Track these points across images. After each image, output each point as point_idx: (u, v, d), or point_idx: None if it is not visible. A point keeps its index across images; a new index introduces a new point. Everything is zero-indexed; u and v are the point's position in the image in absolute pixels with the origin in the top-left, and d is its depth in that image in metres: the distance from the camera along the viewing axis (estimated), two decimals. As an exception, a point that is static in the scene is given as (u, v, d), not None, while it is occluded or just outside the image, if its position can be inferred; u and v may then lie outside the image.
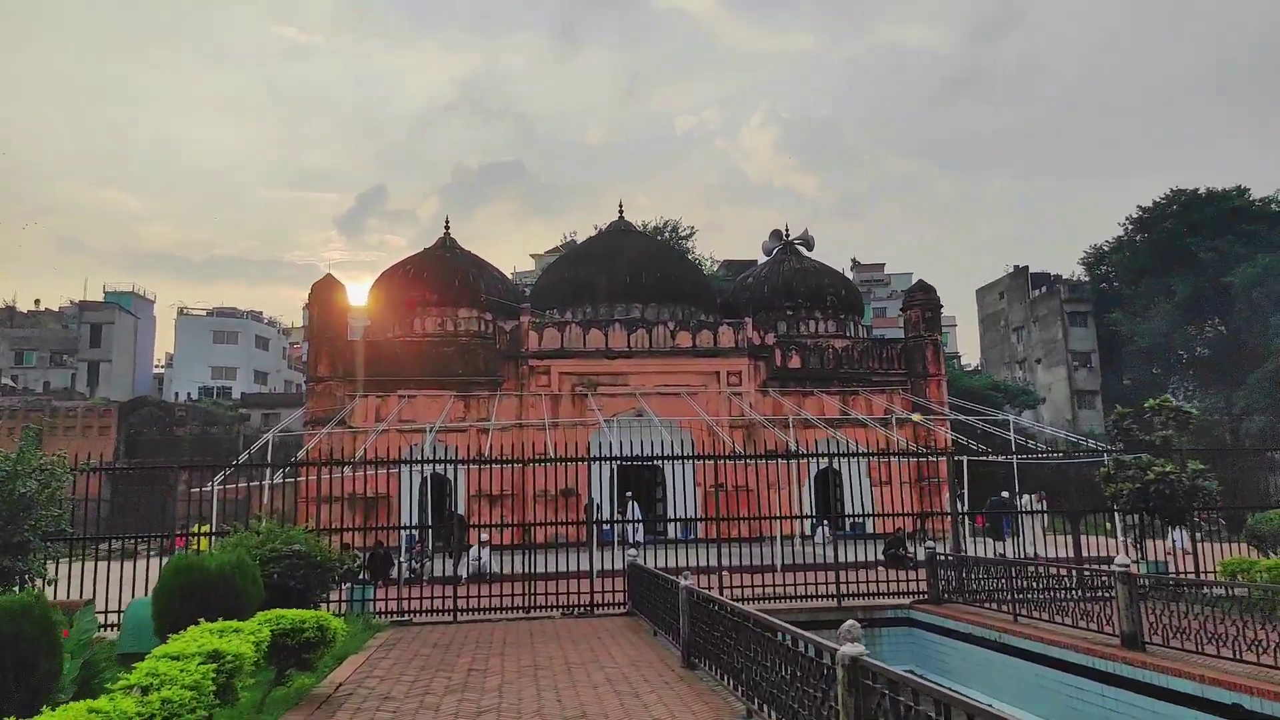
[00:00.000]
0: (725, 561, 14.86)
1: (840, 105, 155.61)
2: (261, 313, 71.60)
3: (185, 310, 69.00)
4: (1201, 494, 14.16)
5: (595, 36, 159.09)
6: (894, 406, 29.90)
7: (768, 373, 30.15)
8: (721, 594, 14.49)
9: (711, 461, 18.99)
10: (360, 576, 17.15)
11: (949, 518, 25.40)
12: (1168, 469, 14.12)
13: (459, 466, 23.39)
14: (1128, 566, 9.99)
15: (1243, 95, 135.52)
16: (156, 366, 70.57)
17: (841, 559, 15.04)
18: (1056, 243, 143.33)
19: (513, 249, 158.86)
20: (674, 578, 10.08)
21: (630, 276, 31.86)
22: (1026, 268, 76.55)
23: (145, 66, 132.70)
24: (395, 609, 13.35)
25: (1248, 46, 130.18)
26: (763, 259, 36.24)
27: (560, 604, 13.79)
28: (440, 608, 13.39)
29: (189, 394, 59.65)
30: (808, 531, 23.61)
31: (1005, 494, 24.61)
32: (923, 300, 31.26)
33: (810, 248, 35.40)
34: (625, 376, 29.25)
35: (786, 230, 35.72)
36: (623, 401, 28.56)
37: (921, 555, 15.36)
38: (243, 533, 11.36)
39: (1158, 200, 63.55)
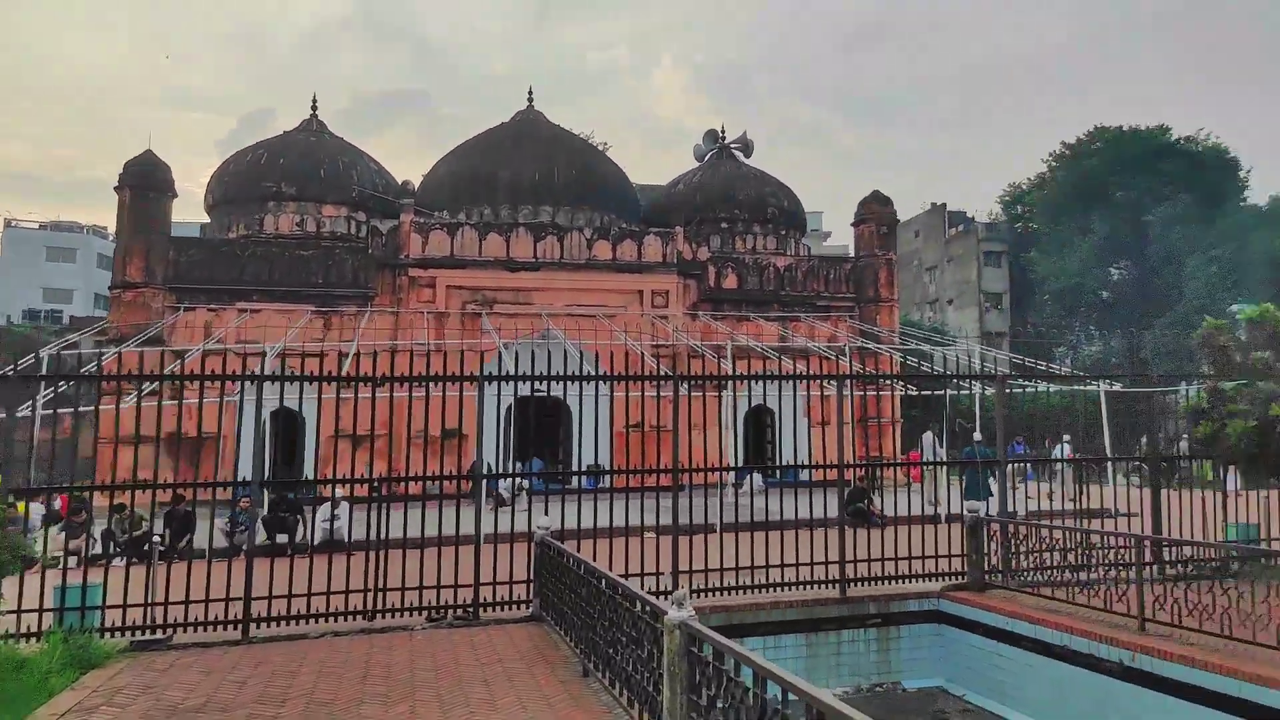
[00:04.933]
0: (645, 519, 10.25)
1: (751, 50, 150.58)
2: (106, 228, 62.56)
3: (14, 223, 59.67)
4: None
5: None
6: (840, 334, 25.72)
7: (700, 293, 25.49)
8: (676, 580, 9.88)
9: (627, 397, 14.40)
10: (151, 544, 11.81)
11: (910, 465, 21.60)
12: (1304, 401, 10.05)
13: (306, 396, 17.97)
14: None
15: (1165, 43, 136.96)
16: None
17: (787, 514, 10.55)
18: (972, 188, 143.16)
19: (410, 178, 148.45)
20: (644, 596, 5.28)
21: (539, 173, 26.42)
22: (944, 205, 74.15)
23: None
24: (145, 620, 7.98)
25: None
26: (693, 166, 31.25)
27: (427, 603, 8.82)
28: (223, 617, 8.18)
29: (8, 317, 51.18)
30: (735, 480, 19.36)
31: (978, 437, 20.74)
32: (878, 214, 26.95)
33: (749, 153, 30.61)
34: (529, 293, 24.11)
35: (722, 131, 30.78)
36: (525, 323, 23.46)
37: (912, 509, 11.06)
38: None
39: (1080, 137, 61.46)
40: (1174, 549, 10.40)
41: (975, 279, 69.85)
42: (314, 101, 28.18)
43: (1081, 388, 16.15)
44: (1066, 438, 16.79)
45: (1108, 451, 17.28)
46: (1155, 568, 9.99)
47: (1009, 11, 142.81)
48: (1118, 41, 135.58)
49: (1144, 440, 12.47)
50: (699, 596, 9.74)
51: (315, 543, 13.55)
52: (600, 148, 43.52)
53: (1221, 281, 47.26)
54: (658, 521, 10.20)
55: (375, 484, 9.60)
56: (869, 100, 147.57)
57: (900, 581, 10.42)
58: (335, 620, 8.43)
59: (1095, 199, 57.48)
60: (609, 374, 10.68)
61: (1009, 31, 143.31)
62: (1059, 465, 14.26)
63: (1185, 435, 11.44)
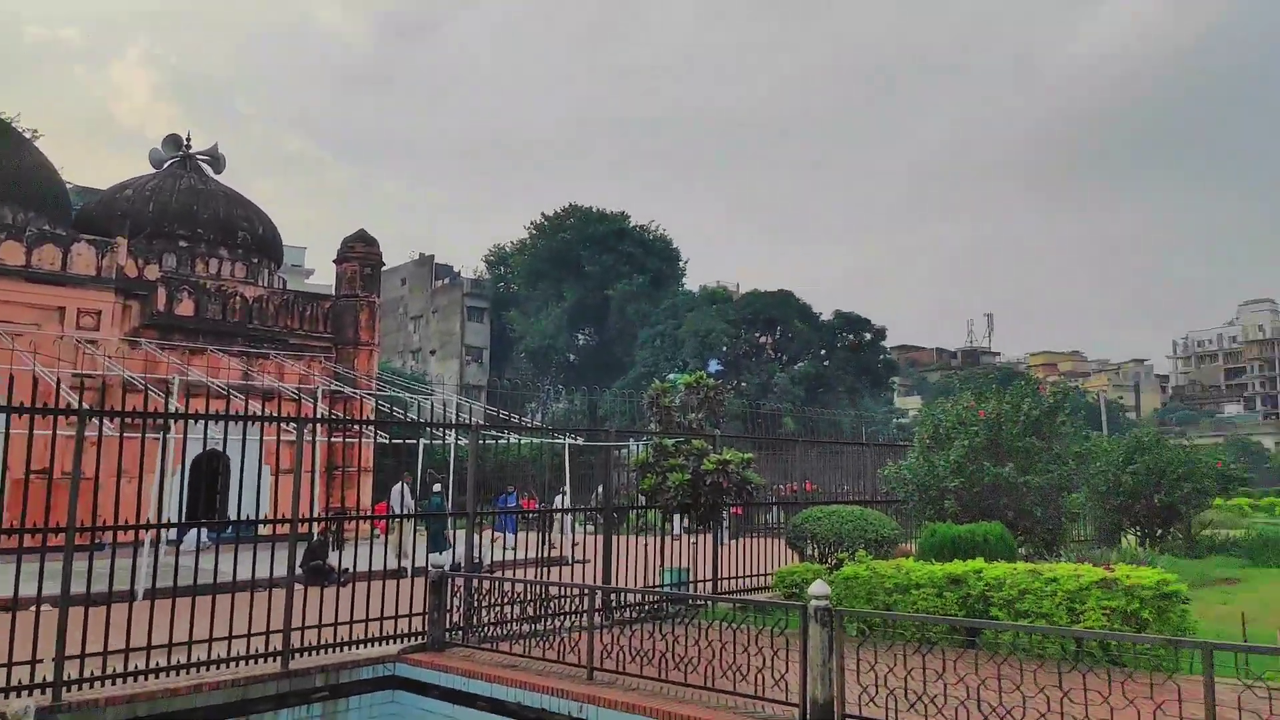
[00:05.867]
0: (45, 588, 7.99)
1: (238, 67, 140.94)
2: None
3: None
4: (749, 487, 11.72)
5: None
6: (313, 375, 24.04)
7: (144, 317, 21.90)
8: (61, 667, 7.62)
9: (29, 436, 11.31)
10: None
11: (394, 517, 20.64)
12: (727, 457, 11.35)
13: None
14: (825, 600, 6.37)
15: (623, 141, 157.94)
16: None
17: (238, 574, 9.11)
18: (461, 244, 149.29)
19: None
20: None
21: (-76, 147, 20.60)
22: (432, 256, 75.88)
23: None
24: None
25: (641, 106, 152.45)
26: (149, 172, 27.16)
27: None
28: None
29: None
30: (174, 536, 16.64)
31: (438, 488, 20.56)
32: (363, 254, 25.96)
33: (220, 169, 27.53)
34: (-107, 296, 18.47)
35: (188, 139, 27.29)
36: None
37: (387, 563, 10.30)
38: None
39: (558, 211, 67.49)
40: (621, 594, 10.96)
41: (459, 332, 72.27)
42: None
43: (549, 440, 16.83)
44: (564, 488, 17.40)
45: (559, 500, 18.28)
46: (605, 614, 10.41)
47: (513, 84, 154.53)
48: (595, 132, 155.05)
49: (599, 490, 13.16)
50: (98, 685, 7.70)
51: None
52: (26, 134, 36.19)
53: (664, 352, 54.85)
54: (39, 592, 7.89)
55: None
56: (364, 144, 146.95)
57: (357, 646, 9.39)
58: None
59: (568, 269, 63.39)
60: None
61: (508, 105, 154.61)
62: (543, 515, 14.36)
63: (636, 486, 12.26)
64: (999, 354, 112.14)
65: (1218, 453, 24.60)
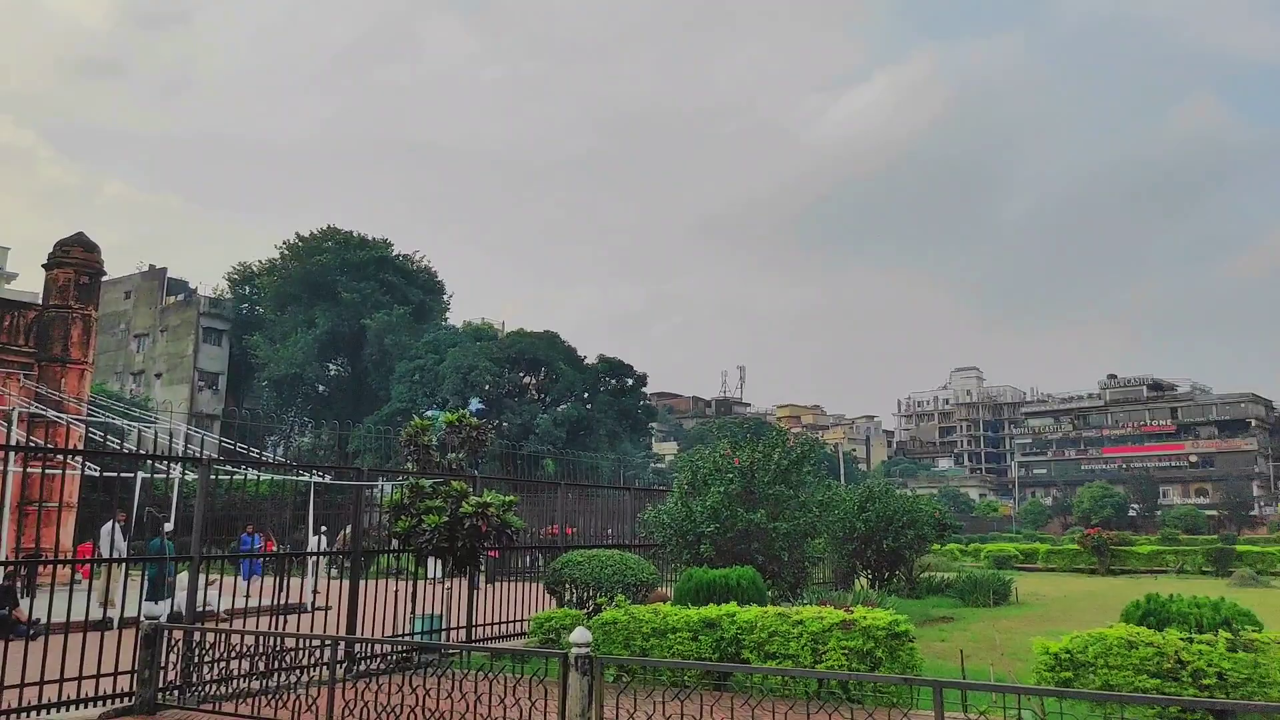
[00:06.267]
0: None
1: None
2: None
3: None
4: (509, 531, 11.32)
5: None
6: (9, 395, 20.95)
7: None
8: None
9: None
10: None
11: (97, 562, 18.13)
12: (487, 499, 10.91)
13: None
14: (587, 647, 6.13)
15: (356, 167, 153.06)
16: None
17: None
18: (199, 259, 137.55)
19: None
20: None
21: None
22: (164, 269, 69.25)
23: None
24: None
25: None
26: None
27: None
28: None
29: None
30: None
31: (169, 527, 18.43)
32: (81, 260, 23.02)
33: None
34: None
35: None
36: None
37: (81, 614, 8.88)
38: None
39: (315, 232, 63.92)
40: (367, 645, 10.20)
41: (192, 354, 66.21)
42: None
43: (292, 477, 15.55)
44: (324, 528, 15.95)
45: (310, 543, 16.92)
46: (348, 666, 9.65)
47: (268, 90, 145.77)
48: (356, 151, 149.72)
49: (346, 532, 12.26)
50: None
51: None
52: None
53: (423, 387, 52.98)
54: None
55: None
56: (91, 140, 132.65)
57: (48, 711, 8.02)
58: None
59: (322, 294, 59.90)
60: None
61: (261, 112, 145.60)
62: (283, 559, 13.12)
63: (388, 528, 11.52)
64: (750, 405, 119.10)
65: (934, 502, 27.22)
